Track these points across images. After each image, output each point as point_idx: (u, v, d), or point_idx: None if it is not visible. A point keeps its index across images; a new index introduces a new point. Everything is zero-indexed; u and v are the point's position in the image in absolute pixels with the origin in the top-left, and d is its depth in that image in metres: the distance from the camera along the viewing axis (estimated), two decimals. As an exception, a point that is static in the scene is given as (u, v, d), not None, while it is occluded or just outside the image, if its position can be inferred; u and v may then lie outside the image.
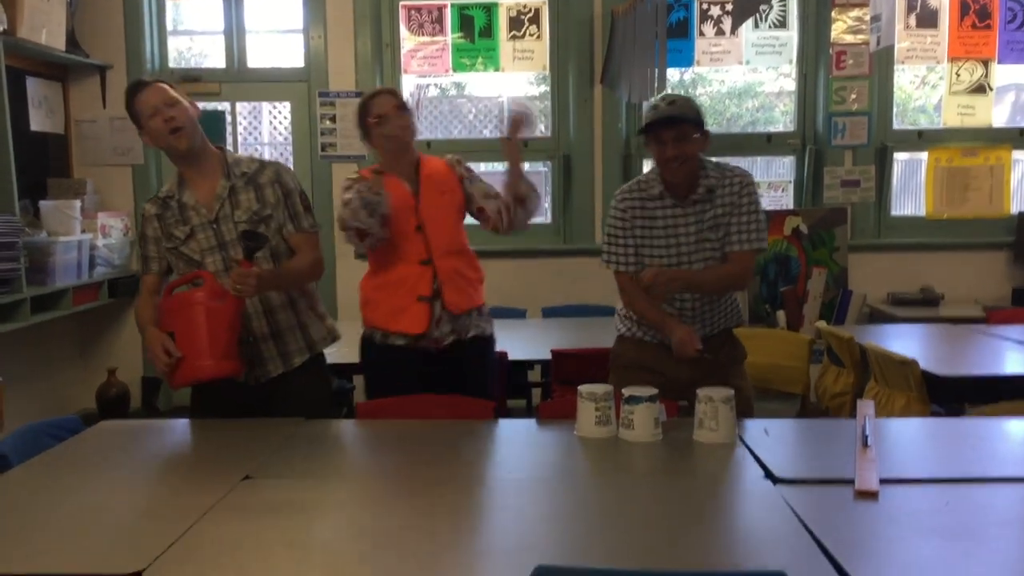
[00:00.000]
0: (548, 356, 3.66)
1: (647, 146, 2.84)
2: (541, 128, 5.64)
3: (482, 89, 5.82)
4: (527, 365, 4.04)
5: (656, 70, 4.19)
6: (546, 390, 4.38)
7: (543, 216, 5.68)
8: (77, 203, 4.90)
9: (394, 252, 2.96)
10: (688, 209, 2.87)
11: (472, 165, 3.19)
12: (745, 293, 5.33)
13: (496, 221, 3.05)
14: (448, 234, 3.01)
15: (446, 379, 2.94)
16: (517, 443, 2.51)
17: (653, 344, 2.97)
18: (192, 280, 2.65)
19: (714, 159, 2.94)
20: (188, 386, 2.64)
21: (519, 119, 2.90)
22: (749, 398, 3.01)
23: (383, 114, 2.94)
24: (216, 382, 2.60)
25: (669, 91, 4.57)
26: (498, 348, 3.42)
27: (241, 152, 3.22)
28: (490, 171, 5.73)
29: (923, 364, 3.32)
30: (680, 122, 2.74)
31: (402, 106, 2.99)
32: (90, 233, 4.99)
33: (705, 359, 2.84)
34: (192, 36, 5.85)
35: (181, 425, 2.67)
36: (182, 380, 2.58)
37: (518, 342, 3.88)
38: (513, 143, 2.95)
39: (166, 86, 2.68)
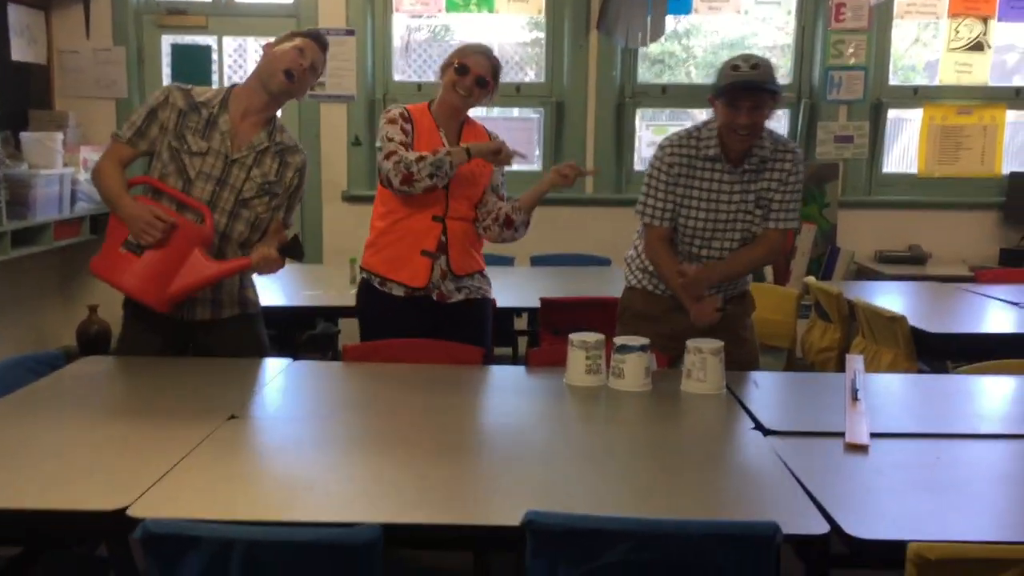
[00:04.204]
0: (535, 304, 3.63)
1: (716, 107, 2.71)
2: (532, 76, 5.56)
3: (471, 34, 5.69)
4: (514, 313, 4.02)
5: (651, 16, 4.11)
6: (533, 338, 4.37)
7: (533, 163, 5.62)
8: (59, 136, 4.79)
9: (412, 201, 2.90)
10: (735, 177, 2.79)
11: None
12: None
13: (487, 219, 3.04)
14: (468, 200, 2.99)
15: (443, 334, 2.90)
16: (506, 389, 2.50)
17: (664, 296, 2.94)
18: (194, 206, 2.63)
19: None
20: (102, 279, 2.62)
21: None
22: (755, 350, 3.00)
23: (477, 74, 2.89)
24: (141, 306, 2.62)
25: (665, 37, 4.47)
26: (486, 296, 3.38)
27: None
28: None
29: (911, 321, 3.32)
30: (761, 90, 2.63)
31: (488, 79, 2.92)
32: (72, 167, 4.87)
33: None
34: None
35: (166, 363, 2.63)
36: (105, 272, 2.59)
37: (505, 290, 3.84)
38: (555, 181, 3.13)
39: (325, 57, 2.77)
